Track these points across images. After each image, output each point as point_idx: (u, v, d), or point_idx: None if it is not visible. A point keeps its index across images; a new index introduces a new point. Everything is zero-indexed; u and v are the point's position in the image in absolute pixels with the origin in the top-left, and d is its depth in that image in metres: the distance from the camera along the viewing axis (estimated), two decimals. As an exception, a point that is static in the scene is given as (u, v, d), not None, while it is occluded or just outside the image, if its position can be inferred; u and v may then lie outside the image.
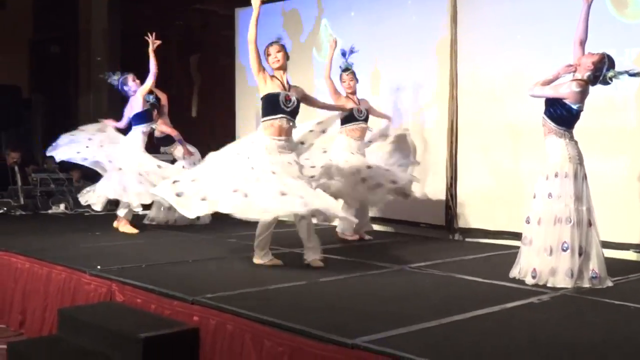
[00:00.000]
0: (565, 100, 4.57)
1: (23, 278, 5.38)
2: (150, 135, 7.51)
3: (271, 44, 5.32)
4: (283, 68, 5.29)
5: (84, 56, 12.72)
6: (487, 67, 6.91)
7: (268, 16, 8.35)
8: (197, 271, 5.08)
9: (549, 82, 4.70)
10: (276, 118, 5.16)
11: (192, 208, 4.92)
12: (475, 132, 7.03)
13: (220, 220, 6.58)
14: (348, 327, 3.45)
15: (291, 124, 5.24)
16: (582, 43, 4.67)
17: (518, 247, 4.86)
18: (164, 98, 8.00)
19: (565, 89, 4.58)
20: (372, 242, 6.60)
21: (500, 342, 3.30)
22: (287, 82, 5.32)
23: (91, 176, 10.41)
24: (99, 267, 4.92)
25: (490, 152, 6.90)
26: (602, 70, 4.56)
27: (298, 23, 8.90)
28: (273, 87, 5.23)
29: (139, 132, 7.11)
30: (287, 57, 5.33)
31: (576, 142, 4.66)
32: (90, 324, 4.09)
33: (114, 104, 7.24)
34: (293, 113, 5.25)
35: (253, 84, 9.38)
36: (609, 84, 4.65)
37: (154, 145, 8.14)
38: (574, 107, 4.57)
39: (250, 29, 5.15)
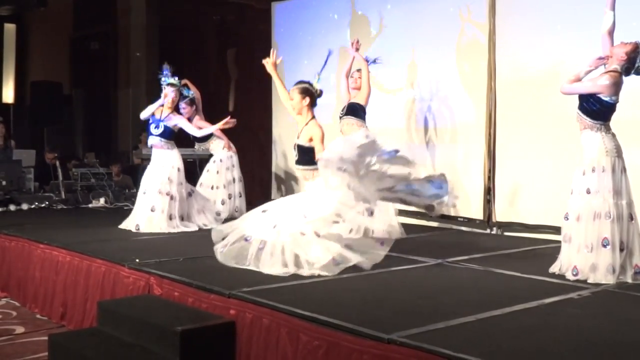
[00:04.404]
0: (599, 94, 4.45)
1: (64, 271, 5.48)
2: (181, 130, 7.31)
3: None
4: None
5: (123, 52, 12.87)
6: (526, 57, 6.79)
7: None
8: (233, 265, 5.10)
9: (580, 78, 4.59)
10: None
11: None
12: (513, 124, 6.92)
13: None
14: (384, 321, 3.43)
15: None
16: (611, 33, 4.56)
17: (558, 241, 4.78)
18: (197, 94, 8.01)
19: (599, 83, 4.45)
20: (410, 236, 6.55)
21: (538, 338, 3.24)
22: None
23: (128, 171, 10.61)
24: (137, 260, 4.98)
25: (529, 144, 6.78)
26: (636, 59, 4.45)
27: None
28: None
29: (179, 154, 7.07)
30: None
31: (614, 135, 4.53)
32: (128, 317, 4.15)
33: (153, 99, 7.24)
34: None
35: (290, 77, 9.47)
36: None
37: (190, 141, 8.19)
38: (609, 100, 4.45)
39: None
